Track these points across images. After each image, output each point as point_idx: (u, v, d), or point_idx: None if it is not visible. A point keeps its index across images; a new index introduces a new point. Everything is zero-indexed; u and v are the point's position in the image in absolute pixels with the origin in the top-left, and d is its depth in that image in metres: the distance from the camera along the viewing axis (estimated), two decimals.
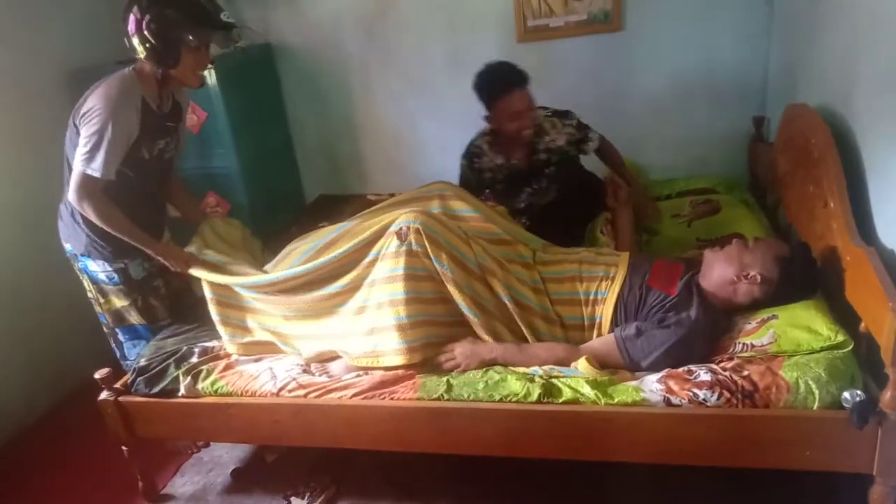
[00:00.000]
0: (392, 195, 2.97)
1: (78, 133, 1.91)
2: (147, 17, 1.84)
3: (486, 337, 1.82)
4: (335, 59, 3.23)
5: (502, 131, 2.34)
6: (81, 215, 2.02)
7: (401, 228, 1.82)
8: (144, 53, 1.89)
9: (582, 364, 1.73)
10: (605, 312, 1.89)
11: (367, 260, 1.88)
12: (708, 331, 1.78)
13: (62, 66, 2.85)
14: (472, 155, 2.46)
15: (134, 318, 2.18)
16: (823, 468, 1.58)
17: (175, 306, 2.27)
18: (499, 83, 2.26)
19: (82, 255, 2.10)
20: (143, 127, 1.95)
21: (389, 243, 1.83)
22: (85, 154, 1.87)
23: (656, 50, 2.90)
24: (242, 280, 2.02)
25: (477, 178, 2.46)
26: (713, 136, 3.00)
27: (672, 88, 2.94)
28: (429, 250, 1.80)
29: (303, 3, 3.15)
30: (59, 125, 2.78)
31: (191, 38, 1.89)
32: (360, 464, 2.17)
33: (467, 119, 3.18)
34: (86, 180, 1.89)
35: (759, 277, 1.77)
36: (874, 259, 1.54)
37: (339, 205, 3.21)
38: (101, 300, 2.17)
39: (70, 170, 1.97)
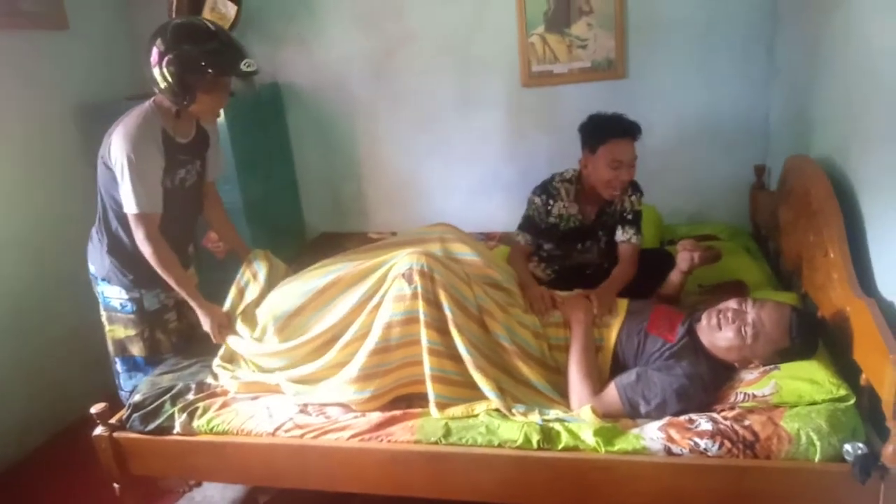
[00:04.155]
0: (394, 234, 2.99)
1: (107, 168, 1.96)
2: (168, 56, 1.85)
3: (477, 376, 1.80)
4: (342, 99, 3.28)
5: (592, 178, 2.25)
6: (108, 242, 2.08)
7: (407, 270, 1.84)
8: (163, 87, 1.91)
9: (585, 412, 1.72)
10: (603, 360, 1.89)
11: (372, 304, 1.89)
12: (708, 381, 1.77)
13: (72, 101, 2.91)
14: (548, 194, 2.34)
15: (136, 349, 2.18)
16: None
17: (182, 341, 2.27)
18: (614, 127, 2.19)
19: (102, 280, 2.14)
20: (165, 157, 1.98)
21: (392, 286, 1.85)
22: (125, 195, 1.92)
23: (659, 98, 2.95)
24: (263, 376, 2.03)
25: (545, 218, 2.36)
26: (716, 183, 3.03)
27: (675, 136, 2.98)
28: (432, 292, 1.82)
29: (311, 43, 3.22)
30: (68, 158, 2.87)
31: (209, 82, 1.91)
32: None
33: (472, 161, 3.25)
34: (136, 220, 1.94)
35: (760, 367, 1.77)
36: (874, 310, 1.54)
37: (340, 242, 3.22)
38: (108, 327, 2.19)
39: (102, 200, 2.05)
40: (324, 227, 3.54)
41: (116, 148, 1.89)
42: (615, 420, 1.72)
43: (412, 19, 3.09)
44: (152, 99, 2.00)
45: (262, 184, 3.12)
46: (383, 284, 1.89)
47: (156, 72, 1.88)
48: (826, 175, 1.97)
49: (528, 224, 2.38)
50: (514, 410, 1.75)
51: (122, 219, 2.02)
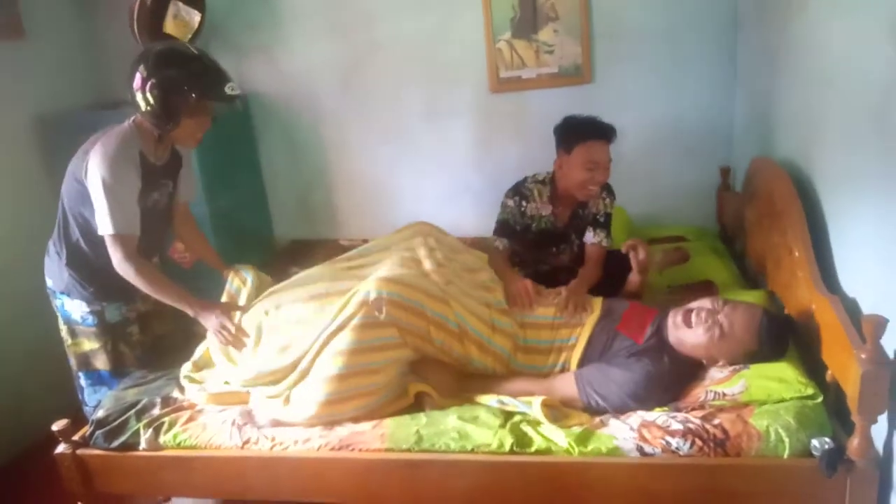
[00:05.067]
0: (365, 241, 2.97)
1: (80, 184, 1.92)
2: (152, 81, 1.84)
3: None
4: (309, 108, 3.25)
5: (567, 180, 2.25)
6: (68, 254, 2.04)
7: (376, 297, 1.81)
8: (145, 111, 1.89)
9: (536, 404, 1.73)
10: (573, 358, 1.92)
11: (335, 325, 1.85)
12: (668, 381, 1.78)
13: (30, 112, 2.83)
14: (521, 196, 2.33)
15: (100, 362, 2.13)
16: None
17: (146, 355, 2.21)
18: (589, 128, 2.20)
19: (61, 293, 2.09)
20: (142, 180, 1.95)
21: (359, 313, 1.82)
22: (101, 217, 1.88)
23: (626, 102, 2.97)
24: (232, 386, 2.00)
25: (520, 219, 2.34)
26: (682, 185, 3.06)
27: (642, 139, 3.00)
28: (404, 320, 1.83)
29: (277, 53, 3.19)
30: (26, 170, 2.79)
31: (192, 106, 1.89)
32: None
33: (442, 167, 3.24)
34: (114, 242, 1.90)
35: (728, 368, 1.78)
36: (838, 307, 1.57)
37: (310, 249, 3.20)
38: (70, 341, 2.13)
39: (64, 212, 2.01)
40: (294, 235, 3.50)
41: (94, 169, 1.86)
42: (567, 414, 1.75)
43: (380, 28, 3.08)
44: (132, 119, 1.97)
45: (229, 194, 3.07)
46: (346, 308, 1.85)
47: (139, 96, 1.87)
48: (789, 176, 2.01)
49: (502, 228, 2.36)
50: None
51: (86, 232, 1.98)
